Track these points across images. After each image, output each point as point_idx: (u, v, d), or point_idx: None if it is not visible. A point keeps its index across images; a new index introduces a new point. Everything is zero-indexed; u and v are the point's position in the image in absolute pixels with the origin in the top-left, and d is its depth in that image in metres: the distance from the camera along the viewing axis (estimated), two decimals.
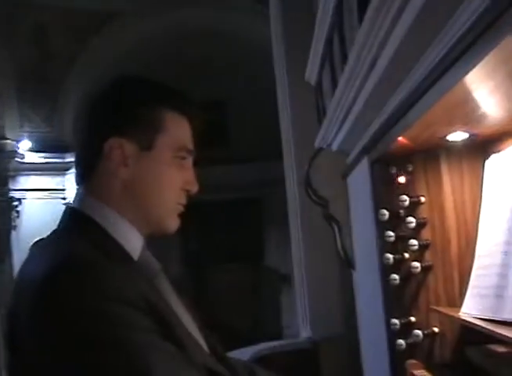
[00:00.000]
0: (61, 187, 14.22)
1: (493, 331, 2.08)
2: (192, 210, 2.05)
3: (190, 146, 1.94)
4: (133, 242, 1.84)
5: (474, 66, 1.66)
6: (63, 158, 14.00)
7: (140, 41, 14.30)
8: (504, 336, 1.98)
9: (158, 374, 1.55)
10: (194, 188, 1.93)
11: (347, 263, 4.20)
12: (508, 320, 2.07)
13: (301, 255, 5.78)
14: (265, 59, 7.00)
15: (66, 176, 14.10)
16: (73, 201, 1.90)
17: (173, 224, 1.92)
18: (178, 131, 1.89)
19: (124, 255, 1.79)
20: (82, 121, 1.94)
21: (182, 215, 1.93)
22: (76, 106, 14.04)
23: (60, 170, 14.09)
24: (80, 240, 1.74)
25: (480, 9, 1.58)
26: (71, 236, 1.78)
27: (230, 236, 15.00)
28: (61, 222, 1.89)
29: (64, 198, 14.04)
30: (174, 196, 1.89)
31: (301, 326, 5.89)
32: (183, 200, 1.93)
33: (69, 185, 13.98)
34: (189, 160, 1.94)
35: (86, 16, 13.58)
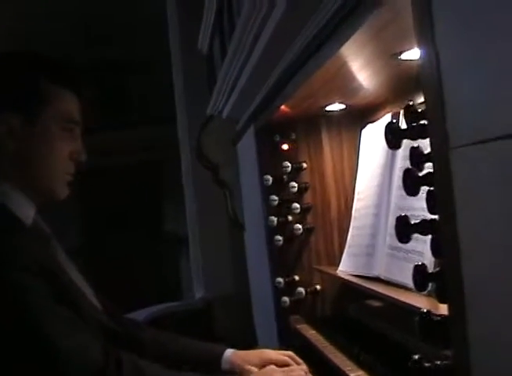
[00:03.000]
0: None
1: (363, 286, 2.26)
2: (85, 176, 2.13)
3: (77, 117, 2.01)
4: (25, 210, 1.92)
5: (343, 42, 1.80)
6: None
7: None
8: (371, 290, 2.16)
9: (53, 337, 1.66)
10: (82, 157, 2.02)
11: (237, 225, 4.34)
12: (378, 276, 2.25)
13: (194, 218, 5.89)
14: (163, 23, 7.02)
15: None
16: None
17: (62, 192, 2.01)
18: (62, 104, 1.96)
19: (17, 222, 1.88)
20: None
21: (72, 183, 2.02)
22: None
23: None
24: None
25: None
26: None
27: (127, 202, 14.91)
28: None
29: None
30: (62, 166, 1.97)
31: (195, 287, 6.03)
32: (72, 170, 2.01)
33: None
34: (77, 130, 2.02)
35: None
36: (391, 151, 2.31)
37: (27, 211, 1.93)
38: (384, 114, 2.52)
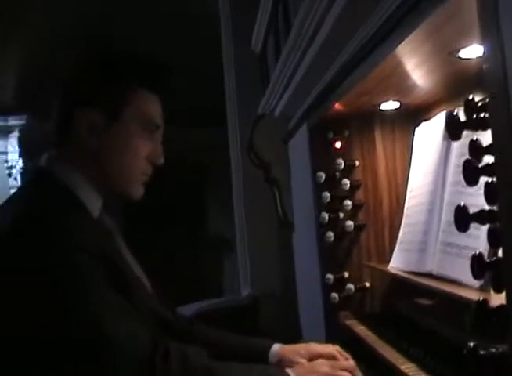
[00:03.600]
0: (3, 150, 14.07)
1: (415, 281, 2.29)
2: None
3: (158, 121, 2.05)
4: (94, 202, 1.98)
5: (401, 41, 1.84)
6: (6, 121, 13.83)
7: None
8: (424, 284, 2.19)
9: (100, 322, 1.71)
10: (159, 160, 2.06)
11: (286, 224, 4.38)
12: (429, 273, 2.27)
13: (243, 217, 5.93)
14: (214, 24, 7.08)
15: (9, 139, 13.94)
16: (41, 162, 2.01)
17: (137, 192, 2.06)
18: (145, 105, 2.01)
19: (85, 211, 1.94)
20: (56, 90, 2.05)
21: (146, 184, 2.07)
22: (18, 69, 13.87)
23: (3, 132, 13.92)
24: (45, 195, 1.89)
25: None
26: (37, 191, 1.92)
27: (173, 201, 15.02)
28: (29, 179, 2.03)
29: (7, 161, 13.88)
30: (140, 166, 2.02)
31: (242, 285, 6.08)
32: (148, 171, 2.06)
33: (11, 148, 13.83)
34: (158, 134, 2.07)
35: None
36: (445, 148, 2.34)
37: (95, 204, 1.98)
38: (438, 113, 2.54)
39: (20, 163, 13.75)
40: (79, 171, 1.95)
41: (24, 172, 13.46)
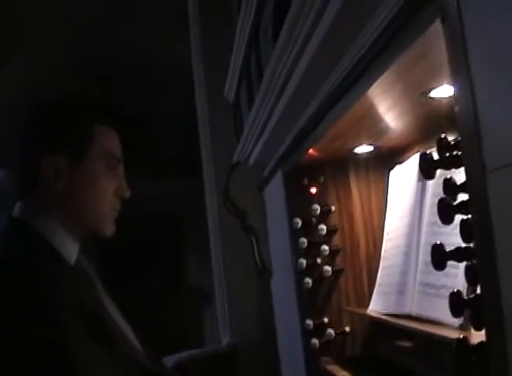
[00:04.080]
0: None
1: (395, 323, 2.29)
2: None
3: (119, 154, 2.07)
4: (69, 249, 1.97)
5: (372, 83, 1.86)
6: None
7: (60, 54, 14.19)
8: (404, 326, 2.19)
9: (81, 374, 1.68)
10: (127, 193, 2.07)
11: (264, 272, 4.37)
12: (408, 314, 2.27)
13: (220, 266, 5.91)
14: (186, 75, 7.12)
15: None
16: (14, 212, 2.00)
17: (109, 229, 2.06)
18: (107, 142, 2.03)
19: (61, 260, 1.93)
20: (16, 139, 2.06)
21: (117, 220, 2.07)
22: None
23: None
24: (19, 246, 1.88)
25: (373, 35, 1.79)
26: (12, 242, 1.91)
27: (149, 252, 14.96)
28: (2, 230, 2.02)
29: None
30: (109, 202, 2.03)
31: (222, 334, 6.03)
32: (117, 206, 2.07)
33: None
34: (120, 168, 2.08)
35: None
36: (420, 189, 2.36)
37: (71, 250, 1.97)
38: (412, 155, 2.57)
39: None
40: (51, 218, 1.95)
41: None
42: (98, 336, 1.80)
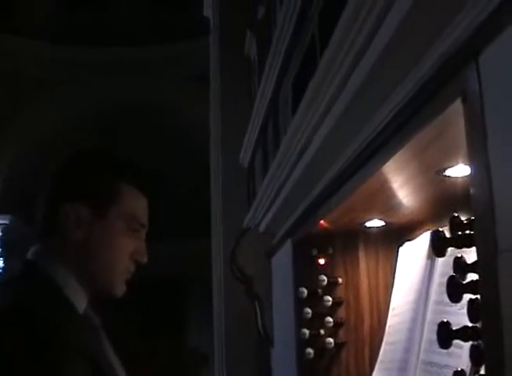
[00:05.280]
0: None
1: None
2: None
3: (144, 220, 2.06)
4: (79, 298, 1.97)
5: (387, 159, 1.89)
6: None
7: (74, 110, 14.38)
8: None
9: None
10: (143, 258, 2.07)
11: (266, 340, 4.35)
12: None
13: (222, 332, 5.88)
14: (203, 136, 7.20)
15: None
16: (29, 255, 2.01)
17: (120, 289, 2.05)
18: (132, 204, 2.03)
19: (71, 307, 1.93)
20: (44, 184, 2.07)
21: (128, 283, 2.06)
22: (6, 169, 13.98)
23: None
24: (32, 290, 1.89)
25: (393, 111, 1.83)
26: (23, 288, 1.91)
27: (150, 314, 14.91)
28: (17, 272, 2.02)
29: None
30: (124, 263, 2.02)
31: None
32: (132, 268, 2.05)
33: None
34: (142, 233, 2.08)
35: (24, 80, 13.60)
36: (428, 267, 2.36)
37: (81, 300, 1.97)
38: (422, 233, 2.57)
39: (0, 263, 13.66)
40: (66, 265, 1.95)
41: (3, 272, 13.35)
42: None
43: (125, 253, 2.00)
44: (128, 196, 2.01)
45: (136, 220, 2.03)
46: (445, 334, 1.50)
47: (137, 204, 2.04)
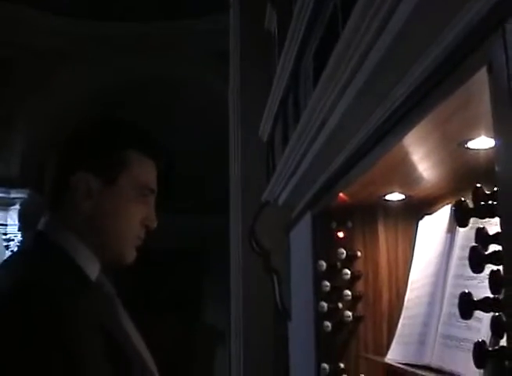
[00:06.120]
0: (3, 222, 14.08)
1: (414, 373, 2.27)
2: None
3: (153, 185, 2.07)
4: (91, 266, 1.98)
5: (408, 131, 1.88)
6: (8, 194, 13.88)
7: (92, 86, 14.40)
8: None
9: None
10: (153, 224, 2.08)
11: (283, 314, 4.36)
12: (428, 365, 2.25)
13: (239, 306, 5.89)
14: (218, 111, 7.19)
15: (9, 212, 13.97)
16: (39, 225, 2.02)
17: (130, 255, 2.06)
18: (141, 170, 2.03)
19: (83, 277, 1.94)
20: (53, 154, 2.08)
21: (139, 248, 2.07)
22: (25, 144, 14.05)
23: (4, 205, 13.95)
24: (43, 263, 1.89)
25: (413, 85, 1.81)
26: (35, 259, 1.92)
27: (166, 287, 14.97)
28: (28, 244, 2.03)
29: (5, 234, 13.90)
30: (134, 229, 2.03)
31: None
32: (142, 234, 2.06)
33: (11, 221, 13.88)
34: (151, 198, 2.09)
35: (41, 53, 13.61)
36: (448, 241, 2.35)
37: (93, 268, 1.98)
38: (442, 207, 2.56)
39: (19, 237, 13.77)
40: (75, 235, 1.96)
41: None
42: (114, 360, 1.80)
43: (136, 219, 2.01)
44: (136, 162, 2.02)
45: (146, 186, 2.04)
46: (467, 305, 1.50)
47: (146, 170, 2.05)
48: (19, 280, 1.82)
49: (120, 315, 2.02)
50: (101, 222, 1.98)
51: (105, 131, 2.08)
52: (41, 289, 1.77)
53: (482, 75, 1.36)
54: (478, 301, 1.46)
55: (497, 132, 1.31)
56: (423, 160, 2.20)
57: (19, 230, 13.89)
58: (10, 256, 2.09)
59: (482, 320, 1.77)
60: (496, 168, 1.29)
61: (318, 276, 3.08)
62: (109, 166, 1.98)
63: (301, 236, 3.54)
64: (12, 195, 13.75)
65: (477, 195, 1.51)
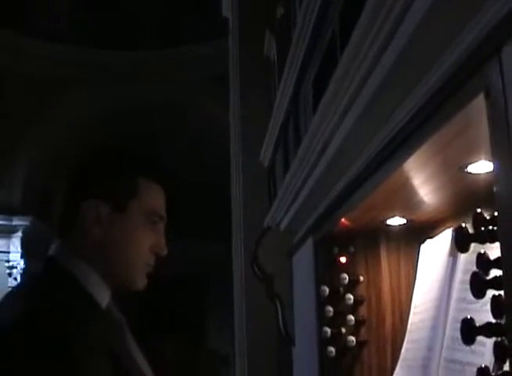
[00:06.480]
0: (5, 249, 14.09)
1: None
2: None
3: (162, 212, 2.08)
4: (101, 293, 1.98)
5: (409, 156, 1.89)
6: (10, 221, 13.91)
7: (93, 113, 14.46)
8: None
9: None
10: (163, 251, 2.08)
11: (287, 339, 4.34)
12: None
13: (243, 331, 5.88)
14: (221, 138, 7.22)
15: (12, 239, 13.99)
16: (51, 251, 2.02)
17: (140, 282, 2.06)
18: (151, 197, 2.04)
19: (93, 303, 1.94)
20: (62, 181, 2.09)
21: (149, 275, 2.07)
22: (26, 171, 14.09)
23: (6, 232, 13.97)
24: (54, 290, 1.90)
25: (413, 110, 1.82)
26: (46, 285, 1.93)
27: (174, 312, 14.96)
28: (38, 270, 2.04)
29: (8, 261, 13.91)
30: (144, 257, 2.03)
31: None
32: (152, 261, 2.07)
33: (13, 248, 13.89)
34: (161, 225, 2.09)
35: (41, 81, 13.67)
36: (450, 265, 2.35)
37: (104, 295, 1.98)
38: (443, 230, 2.56)
39: (22, 264, 13.78)
40: (86, 262, 1.96)
41: (25, 273, 13.46)
42: None
43: (145, 246, 2.02)
44: (146, 190, 2.03)
45: (155, 213, 2.04)
46: (469, 331, 1.50)
47: (155, 197, 2.06)
48: (30, 307, 1.82)
49: (128, 342, 2.02)
50: (110, 250, 1.99)
51: (115, 159, 2.10)
52: (51, 317, 1.78)
53: (480, 100, 1.37)
54: (480, 326, 1.46)
55: (495, 157, 1.31)
56: (424, 185, 2.21)
57: (21, 257, 13.91)
58: (21, 281, 2.11)
59: (486, 344, 1.77)
60: (495, 193, 1.30)
61: (321, 302, 3.07)
62: (119, 194, 2.00)
63: (304, 261, 3.54)
64: (14, 222, 13.80)
65: (477, 220, 1.52)
